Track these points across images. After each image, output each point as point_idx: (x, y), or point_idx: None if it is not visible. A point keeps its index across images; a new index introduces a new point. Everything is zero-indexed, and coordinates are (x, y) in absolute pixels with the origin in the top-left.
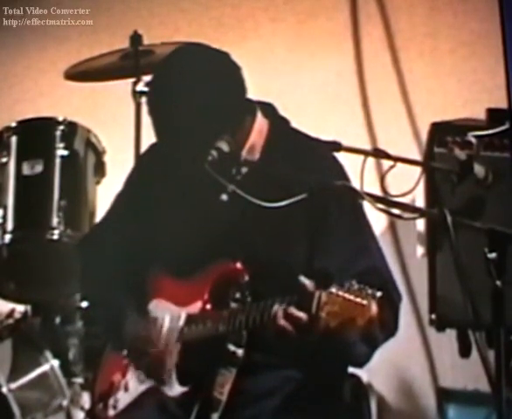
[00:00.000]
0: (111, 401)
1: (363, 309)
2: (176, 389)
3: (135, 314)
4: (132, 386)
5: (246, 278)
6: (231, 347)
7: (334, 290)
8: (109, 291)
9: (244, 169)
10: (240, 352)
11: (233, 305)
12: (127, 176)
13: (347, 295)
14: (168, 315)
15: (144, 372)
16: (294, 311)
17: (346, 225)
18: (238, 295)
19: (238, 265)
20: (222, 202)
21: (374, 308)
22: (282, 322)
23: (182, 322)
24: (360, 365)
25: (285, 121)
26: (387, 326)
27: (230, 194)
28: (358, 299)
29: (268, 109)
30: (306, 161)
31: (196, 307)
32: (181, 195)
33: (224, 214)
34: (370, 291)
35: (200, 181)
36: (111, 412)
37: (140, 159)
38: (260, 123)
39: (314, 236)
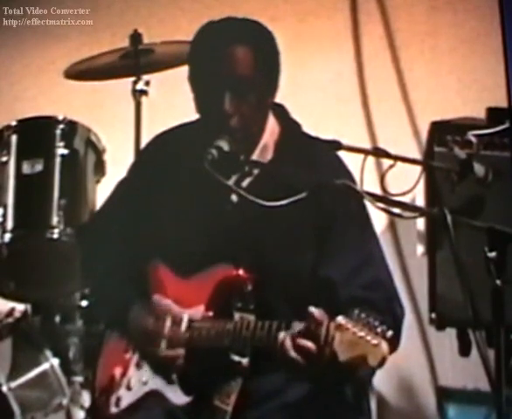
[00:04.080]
0: (113, 398)
1: (375, 349)
2: (180, 398)
3: (139, 305)
4: (135, 385)
5: (250, 287)
6: (236, 358)
7: (343, 322)
8: (110, 280)
9: (255, 170)
10: (245, 361)
11: (236, 315)
12: (130, 165)
13: (357, 330)
14: (169, 315)
15: (151, 367)
16: (303, 342)
17: (352, 234)
18: (240, 304)
19: (241, 272)
20: (232, 203)
21: (385, 346)
22: (293, 354)
23: (184, 327)
24: (364, 385)
25: (296, 124)
26: (392, 347)
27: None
28: (369, 337)
29: (280, 111)
30: (317, 166)
31: (198, 311)
32: (190, 192)
33: (233, 215)
34: (379, 330)
35: (210, 179)
36: (113, 409)
37: (145, 149)
38: (272, 124)
39: (321, 242)
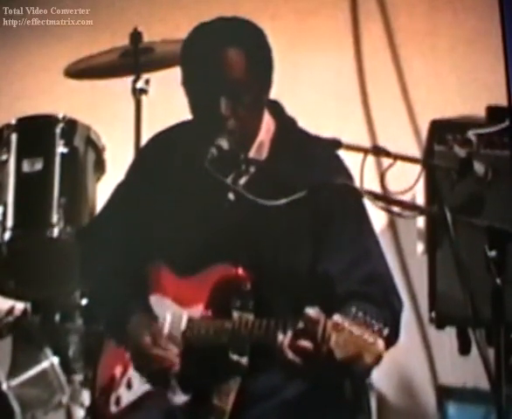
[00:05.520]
0: (113, 397)
1: (371, 347)
2: (179, 397)
3: (138, 311)
4: (135, 384)
5: (248, 286)
6: (235, 357)
7: (340, 320)
8: (110, 283)
9: (252, 168)
10: (244, 360)
11: (235, 314)
12: (129, 166)
13: (354, 329)
14: (169, 314)
15: (147, 378)
16: (300, 342)
17: (350, 230)
18: (238, 303)
19: (240, 271)
20: (229, 202)
21: (381, 344)
22: (290, 355)
23: (183, 325)
24: (361, 380)
25: (292, 121)
26: (390, 342)
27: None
28: (365, 336)
29: (275, 107)
30: (312, 162)
31: (197, 310)
32: (187, 191)
33: (231, 213)
34: (376, 328)
35: (207, 177)
36: (113, 408)
37: (143, 149)
38: (268, 121)
39: (319, 239)
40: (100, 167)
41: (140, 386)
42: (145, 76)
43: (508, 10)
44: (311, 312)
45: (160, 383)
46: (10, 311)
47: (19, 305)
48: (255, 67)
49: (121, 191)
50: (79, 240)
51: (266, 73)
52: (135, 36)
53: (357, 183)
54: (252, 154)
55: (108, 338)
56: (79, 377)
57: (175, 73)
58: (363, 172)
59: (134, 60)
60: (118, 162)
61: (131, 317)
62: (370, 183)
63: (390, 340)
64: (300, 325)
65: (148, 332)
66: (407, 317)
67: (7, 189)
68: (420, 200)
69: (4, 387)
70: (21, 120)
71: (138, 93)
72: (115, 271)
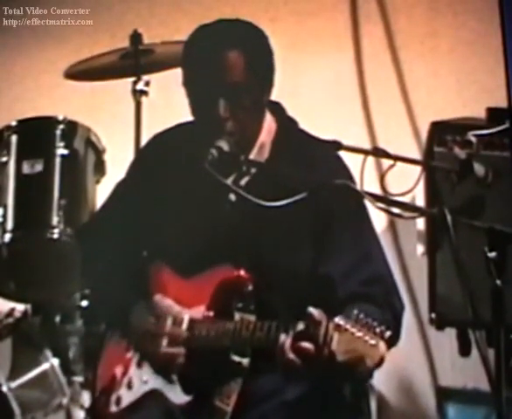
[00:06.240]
0: (113, 397)
1: (373, 349)
2: (180, 397)
3: (140, 305)
4: (135, 384)
5: (250, 287)
6: (236, 358)
7: (342, 322)
8: (111, 280)
9: (253, 170)
10: (246, 361)
11: (237, 315)
12: (129, 165)
13: (355, 331)
14: (170, 315)
15: (153, 364)
16: (301, 344)
17: (351, 231)
18: (240, 305)
19: (242, 273)
20: (230, 202)
21: (382, 347)
22: (291, 356)
23: (185, 326)
24: (362, 383)
25: (293, 122)
26: (391, 343)
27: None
28: (367, 338)
29: (276, 108)
30: (313, 163)
31: (198, 312)
32: (188, 191)
33: (232, 214)
34: (378, 330)
35: (208, 178)
36: (113, 408)
37: (143, 149)
38: (269, 122)
39: (320, 241)
40: (100, 168)
41: (140, 386)
42: (145, 78)
43: (508, 12)
44: (314, 312)
45: (164, 371)
46: (11, 312)
47: (19, 307)
48: (255, 69)
49: (120, 189)
50: (79, 237)
51: (267, 75)
52: (136, 37)
53: (358, 185)
54: (253, 155)
55: (109, 337)
56: (79, 379)
57: (175, 75)
58: (363, 173)
59: (135, 62)
60: (118, 164)
61: (133, 307)
62: (371, 185)
63: (392, 341)
64: (302, 326)
65: (152, 314)
66: (407, 318)
67: (7, 191)
68: (420, 201)
69: (4, 388)
70: (21, 122)
71: (138, 95)
72: (116, 268)
